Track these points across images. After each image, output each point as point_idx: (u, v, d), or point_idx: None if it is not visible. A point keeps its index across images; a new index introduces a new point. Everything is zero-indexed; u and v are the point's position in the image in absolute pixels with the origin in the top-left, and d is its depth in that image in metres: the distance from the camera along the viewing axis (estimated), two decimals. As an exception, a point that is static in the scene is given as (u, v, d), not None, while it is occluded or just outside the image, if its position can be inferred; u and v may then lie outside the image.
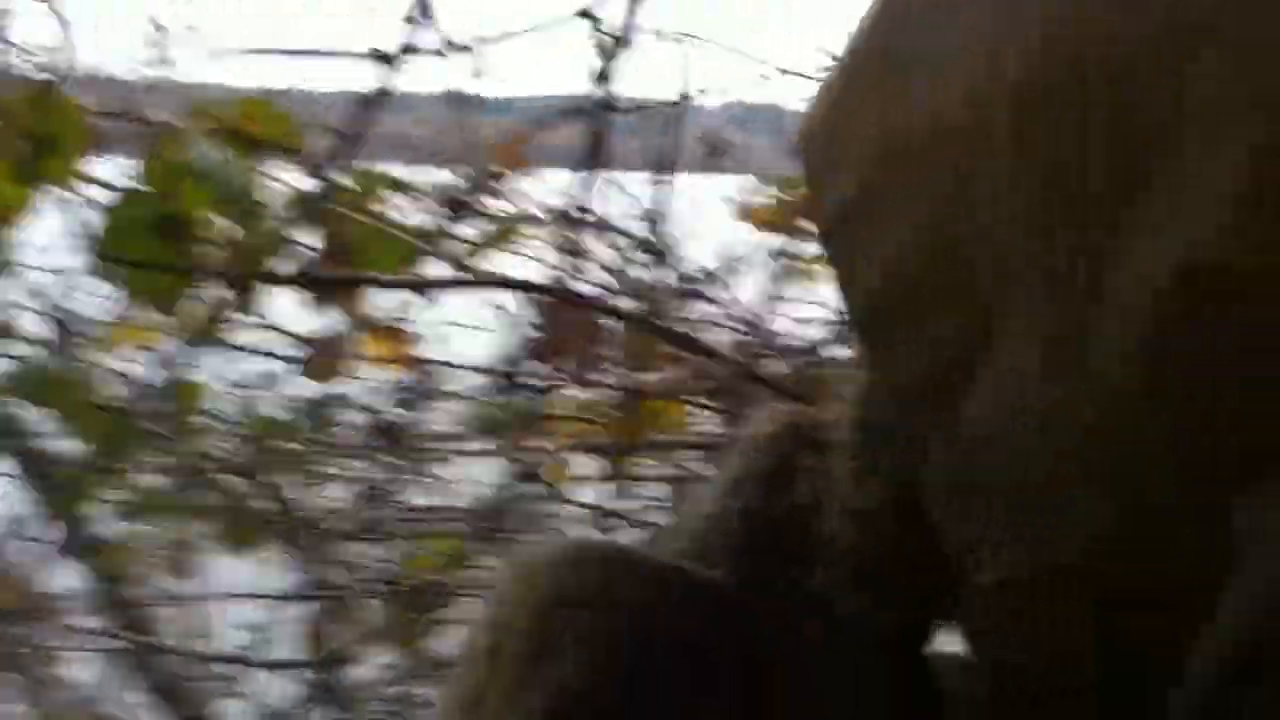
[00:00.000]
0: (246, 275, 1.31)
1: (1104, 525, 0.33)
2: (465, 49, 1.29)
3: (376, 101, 1.19)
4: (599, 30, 1.20)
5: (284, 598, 2.24)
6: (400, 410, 2.12)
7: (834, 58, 0.42)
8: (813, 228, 1.44)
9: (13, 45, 1.98)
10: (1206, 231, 0.31)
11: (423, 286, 1.64)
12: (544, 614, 0.39)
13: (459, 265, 1.69)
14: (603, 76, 1.21)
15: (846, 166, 0.39)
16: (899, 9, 0.39)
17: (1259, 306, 0.30)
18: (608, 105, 1.19)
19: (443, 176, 1.89)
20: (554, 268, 1.70)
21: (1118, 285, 0.32)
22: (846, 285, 0.40)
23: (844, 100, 0.40)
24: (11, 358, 2.24)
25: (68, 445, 2.38)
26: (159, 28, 2.31)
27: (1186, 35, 0.32)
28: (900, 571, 0.43)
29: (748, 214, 1.64)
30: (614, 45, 1.20)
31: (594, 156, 1.21)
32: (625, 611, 0.39)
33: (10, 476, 2.34)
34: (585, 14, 1.21)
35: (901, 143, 0.38)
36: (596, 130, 1.22)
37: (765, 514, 0.44)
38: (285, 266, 1.73)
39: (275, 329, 2.04)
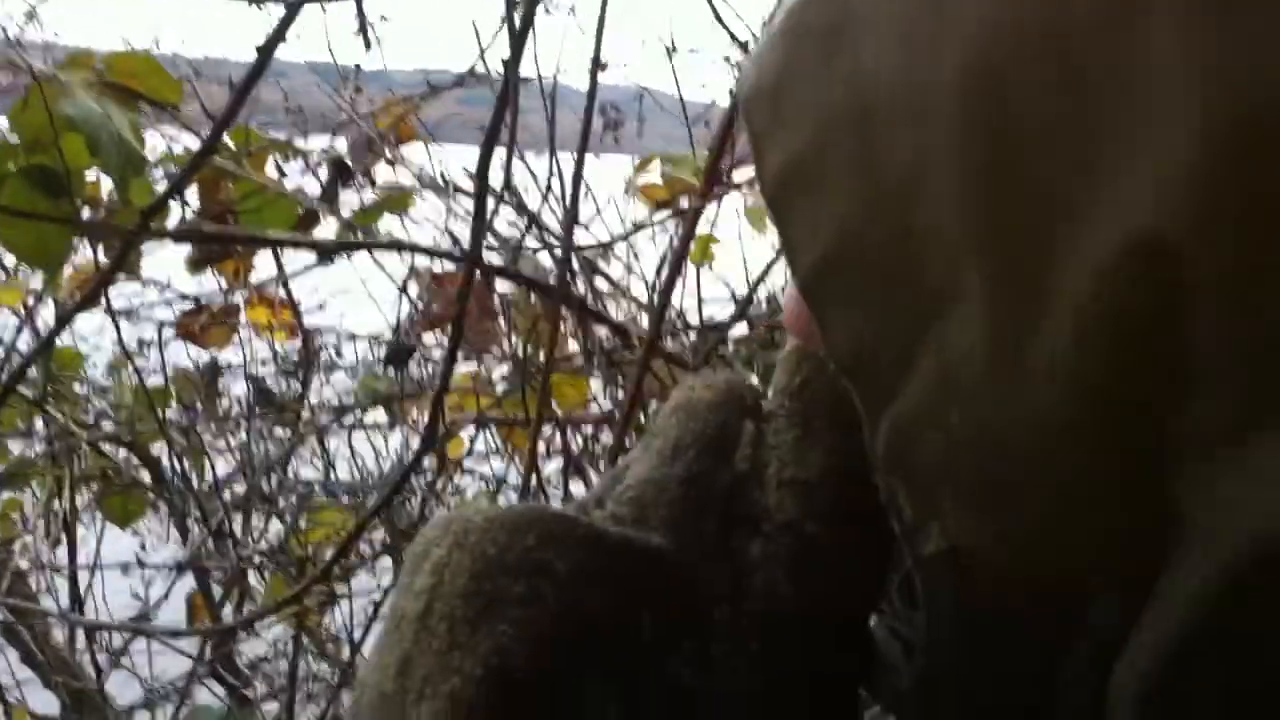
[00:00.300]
0: (125, 231, 1.24)
1: (1042, 512, 0.33)
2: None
3: (264, 55, 1.12)
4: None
5: (169, 568, 2.17)
6: (286, 379, 2.06)
7: (778, 11, 0.41)
8: (707, 206, 1.41)
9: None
10: (1151, 215, 0.30)
11: (309, 247, 1.57)
12: (478, 578, 0.38)
13: (347, 230, 1.63)
14: (514, 43, 1.15)
15: (791, 127, 0.38)
16: None
17: (1204, 290, 0.29)
18: (509, 77, 1.13)
19: (330, 143, 1.82)
20: (448, 238, 1.65)
21: (1066, 277, 0.31)
22: (790, 252, 0.38)
23: (791, 59, 0.38)
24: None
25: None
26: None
27: (1131, 4, 0.31)
28: (839, 545, 0.42)
29: (642, 192, 1.60)
30: (523, 14, 1.14)
31: (492, 128, 1.16)
32: (562, 576, 0.38)
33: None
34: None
35: (849, 110, 0.36)
36: (499, 101, 1.16)
37: (705, 482, 0.42)
38: (165, 224, 1.64)
39: (156, 284, 1.97)
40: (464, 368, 1.84)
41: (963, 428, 0.34)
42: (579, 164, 1.24)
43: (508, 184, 1.16)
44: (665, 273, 1.23)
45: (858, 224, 0.36)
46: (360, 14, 1.50)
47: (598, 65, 1.29)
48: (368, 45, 1.63)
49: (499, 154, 1.31)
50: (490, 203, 1.57)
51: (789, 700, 0.41)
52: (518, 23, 1.14)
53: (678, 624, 0.40)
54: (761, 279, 1.39)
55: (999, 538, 0.34)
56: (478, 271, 1.32)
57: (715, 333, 1.50)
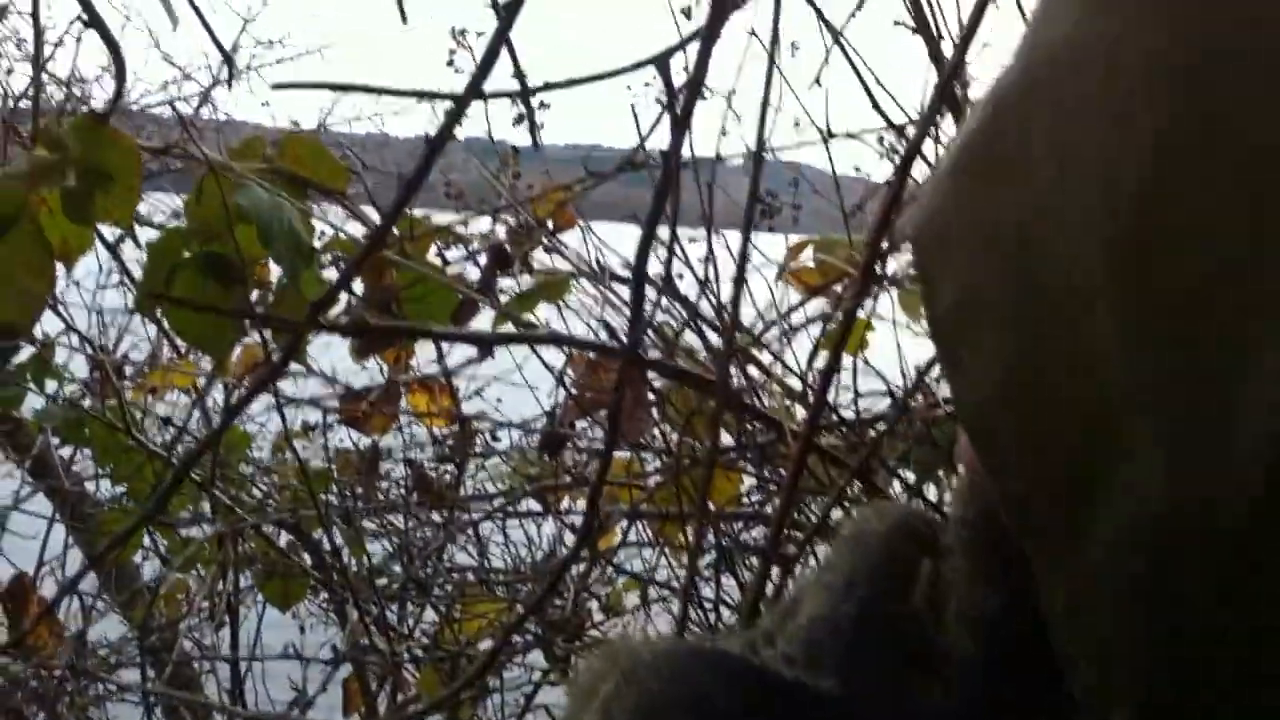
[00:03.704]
0: (293, 321, 1.25)
1: (1230, 662, 0.31)
2: (524, 95, 1.21)
3: (438, 145, 1.12)
4: (668, 80, 1.11)
5: (327, 661, 2.17)
6: (443, 465, 2.07)
7: (940, 157, 0.43)
8: (867, 291, 1.37)
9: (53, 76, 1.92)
10: None
11: (471, 341, 1.57)
12: (644, 714, 0.38)
13: (505, 318, 1.62)
14: (675, 133, 1.13)
15: (953, 271, 0.38)
16: (1008, 115, 0.37)
17: None
18: (670, 168, 1.10)
19: (488, 226, 1.83)
20: (601, 325, 1.63)
21: (1246, 412, 0.29)
22: (957, 391, 0.39)
23: (959, 197, 0.39)
24: (50, 397, 2.21)
25: (107, 488, 2.35)
26: (228, 58, 2.27)
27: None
28: (1026, 688, 0.40)
29: (795, 277, 1.57)
30: (686, 97, 1.11)
31: (651, 219, 1.13)
32: (724, 715, 0.38)
33: (47, 518, 2.32)
34: (659, 61, 1.13)
35: (1011, 242, 0.36)
36: (657, 193, 1.14)
37: (879, 620, 0.42)
38: (332, 313, 1.66)
39: (320, 376, 1.99)
40: (618, 458, 1.81)
41: (1141, 568, 0.32)
42: (742, 259, 1.21)
43: (667, 278, 1.13)
44: (823, 363, 1.18)
45: (1024, 359, 0.35)
46: (526, 106, 1.50)
47: (761, 154, 1.26)
48: (534, 136, 1.64)
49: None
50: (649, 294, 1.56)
51: None
52: (679, 110, 1.12)
53: None
54: (923, 376, 1.33)
55: (1178, 679, 0.32)
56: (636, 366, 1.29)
57: (872, 428, 1.44)
